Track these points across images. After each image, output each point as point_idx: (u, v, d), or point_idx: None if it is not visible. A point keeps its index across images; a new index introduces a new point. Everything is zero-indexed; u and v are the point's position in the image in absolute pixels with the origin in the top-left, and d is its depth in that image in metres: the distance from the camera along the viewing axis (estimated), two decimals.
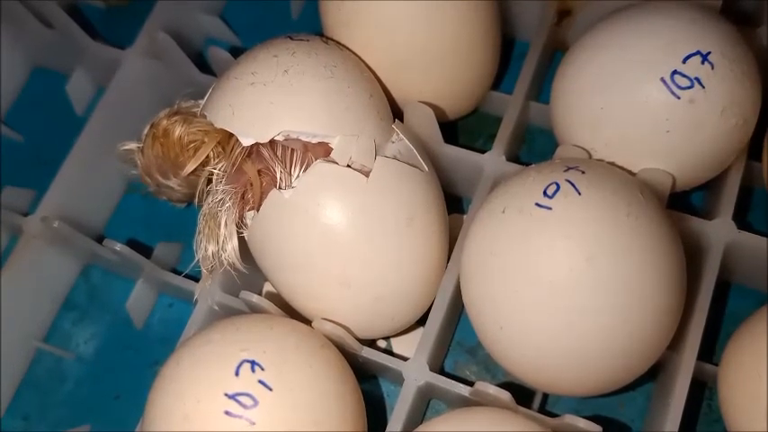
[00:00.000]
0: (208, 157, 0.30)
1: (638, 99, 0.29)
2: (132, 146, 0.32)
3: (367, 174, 0.29)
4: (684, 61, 0.28)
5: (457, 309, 0.32)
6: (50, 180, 0.35)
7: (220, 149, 0.30)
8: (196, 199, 0.31)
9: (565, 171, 0.27)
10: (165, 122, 0.30)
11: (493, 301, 0.27)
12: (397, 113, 0.32)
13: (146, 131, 0.31)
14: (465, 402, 0.29)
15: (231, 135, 0.29)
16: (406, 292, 0.30)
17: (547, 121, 0.33)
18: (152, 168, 0.31)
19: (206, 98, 0.31)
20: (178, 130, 0.30)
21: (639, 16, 0.30)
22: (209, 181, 0.30)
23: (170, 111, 0.31)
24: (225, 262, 0.29)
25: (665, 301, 0.27)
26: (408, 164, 0.30)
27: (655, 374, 0.32)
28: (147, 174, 0.32)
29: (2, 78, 0.41)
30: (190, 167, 0.30)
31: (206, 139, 0.29)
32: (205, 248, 0.29)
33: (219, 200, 0.29)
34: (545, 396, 0.32)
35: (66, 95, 0.40)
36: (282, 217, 0.29)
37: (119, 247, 0.32)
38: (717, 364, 0.29)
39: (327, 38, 0.32)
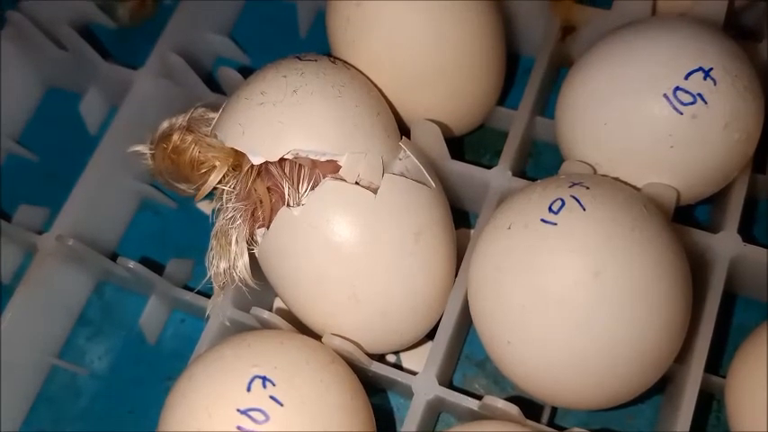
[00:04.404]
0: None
1: (642, 115, 0.29)
2: (142, 149, 0.32)
3: (375, 191, 0.29)
4: (687, 77, 0.28)
5: (465, 323, 0.32)
6: (64, 198, 0.35)
7: (231, 169, 0.30)
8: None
9: (570, 187, 0.27)
10: (175, 138, 0.30)
11: (500, 315, 0.28)
12: (403, 130, 0.32)
13: (157, 136, 0.31)
14: (474, 416, 0.30)
15: (242, 155, 0.29)
16: (415, 306, 0.30)
17: (553, 135, 0.34)
18: (162, 173, 0.32)
19: (216, 117, 0.31)
20: (189, 153, 0.30)
21: (642, 32, 0.30)
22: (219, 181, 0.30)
23: (182, 123, 0.31)
24: (236, 279, 0.30)
25: (672, 314, 0.27)
26: (415, 180, 0.30)
27: (663, 387, 0.32)
28: (157, 174, 0.32)
29: (17, 99, 0.42)
30: (202, 193, 0.30)
31: (217, 164, 0.29)
32: (216, 265, 0.30)
33: (230, 217, 0.29)
34: (553, 409, 0.32)
35: (79, 115, 0.41)
36: (292, 234, 0.29)
37: (132, 264, 0.33)
38: (724, 377, 0.29)
39: (335, 57, 0.32)
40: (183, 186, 0.32)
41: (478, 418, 0.29)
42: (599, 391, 0.28)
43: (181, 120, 0.31)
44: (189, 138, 0.30)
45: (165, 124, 0.31)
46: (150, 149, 0.32)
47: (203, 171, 0.30)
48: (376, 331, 0.30)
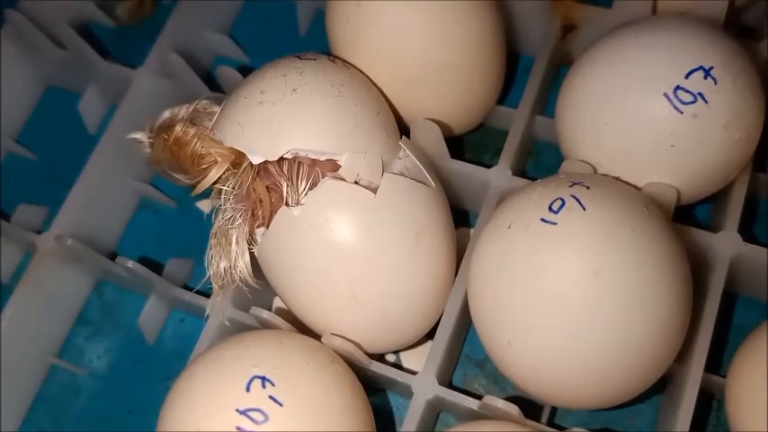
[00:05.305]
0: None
1: (642, 114, 0.29)
2: (141, 137, 0.31)
3: (375, 190, 0.29)
4: (687, 76, 0.28)
5: (465, 322, 0.32)
6: (63, 197, 0.35)
7: (231, 168, 0.30)
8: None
9: (570, 186, 0.27)
10: (178, 130, 0.30)
11: (500, 315, 0.28)
12: (403, 130, 0.32)
13: (157, 125, 0.31)
14: (474, 416, 0.30)
15: (243, 154, 0.29)
16: (415, 306, 0.30)
17: (553, 134, 0.34)
18: (161, 162, 0.31)
19: (215, 117, 0.31)
20: (191, 147, 0.30)
21: (643, 31, 0.30)
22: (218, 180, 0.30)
23: (184, 115, 0.30)
24: (237, 278, 0.29)
25: (672, 314, 0.27)
26: (415, 180, 0.30)
27: (663, 387, 0.32)
28: (155, 163, 0.31)
29: (16, 97, 0.42)
30: (200, 189, 0.30)
31: (218, 160, 0.29)
32: (217, 265, 0.29)
33: (230, 217, 0.29)
34: (553, 409, 0.32)
35: (78, 114, 0.41)
36: (292, 233, 0.29)
37: (131, 264, 0.33)
38: (724, 376, 0.29)
39: (334, 56, 0.32)
40: (179, 176, 0.31)
41: (478, 417, 0.29)
42: (599, 391, 0.28)
43: (183, 111, 0.31)
44: (191, 131, 0.30)
45: (167, 114, 0.31)
46: (149, 138, 0.31)
47: (204, 166, 0.30)
48: (376, 331, 0.30)
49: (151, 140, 0.31)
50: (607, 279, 0.26)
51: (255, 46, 0.42)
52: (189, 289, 0.33)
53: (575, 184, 0.28)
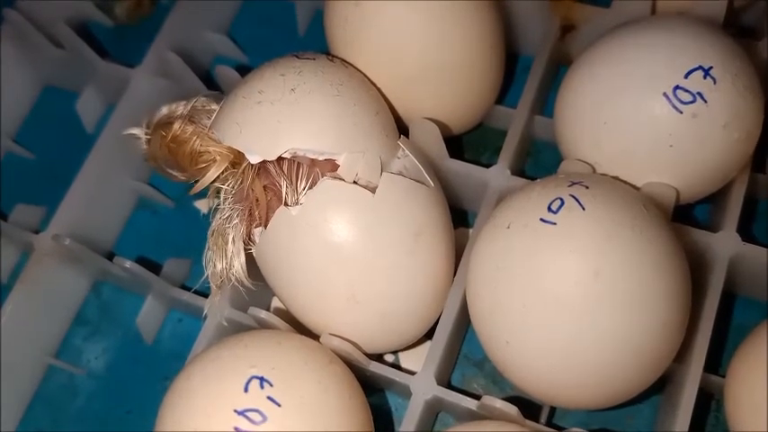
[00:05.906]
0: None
1: (641, 114, 0.29)
2: (138, 133, 0.31)
3: (373, 190, 0.29)
4: (686, 76, 0.28)
5: (464, 322, 0.32)
6: (61, 197, 0.35)
7: (230, 167, 0.30)
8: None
9: (569, 186, 0.27)
10: (176, 128, 0.30)
11: (499, 315, 0.28)
12: (402, 129, 0.32)
13: (154, 122, 0.30)
14: (472, 416, 0.30)
15: (242, 154, 0.29)
16: (414, 306, 0.30)
17: (552, 134, 0.34)
18: (157, 158, 0.31)
19: (214, 116, 0.31)
20: (189, 145, 0.29)
21: (642, 31, 0.30)
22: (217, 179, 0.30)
23: (183, 112, 0.30)
24: (232, 278, 0.29)
25: (671, 313, 0.27)
26: (414, 179, 0.30)
27: (662, 387, 0.32)
28: (151, 159, 0.31)
29: (14, 97, 0.42)
30: (198, 188, 0.30)
31: (217, 158, 0.29)
32: (213, 265, 0.29)
33: (227, 217, 0.29)
34: (552, 409, 0.32)
35: (76, 113, 0.41)
36: (290, 233, 0.29)
37: (128, 264, 0.32)
38: (723, 376, 0.29)
39: (333, 56, 0.32)
40: (175, 173, 0.31)
41: (477, 418, 0.29)
42: (598, 391, 0.28)
43: (182, 108, 0.30)
44: (190, 129, 0.30)
45: (164, 110, 0.31)
46: (146, 134, 0.31)
47: (202, 165, 0.30)
48: (374, 331, 0.30)
49: (148, 136, 0.31)
50: (607, 279, 0.26)
51: (254, 46, 0.42)
52: (187, 289, 0.33)
53: (574, 183, 0.28)
